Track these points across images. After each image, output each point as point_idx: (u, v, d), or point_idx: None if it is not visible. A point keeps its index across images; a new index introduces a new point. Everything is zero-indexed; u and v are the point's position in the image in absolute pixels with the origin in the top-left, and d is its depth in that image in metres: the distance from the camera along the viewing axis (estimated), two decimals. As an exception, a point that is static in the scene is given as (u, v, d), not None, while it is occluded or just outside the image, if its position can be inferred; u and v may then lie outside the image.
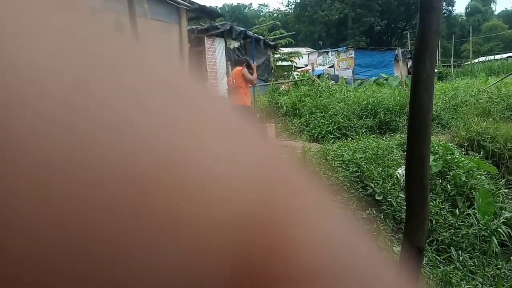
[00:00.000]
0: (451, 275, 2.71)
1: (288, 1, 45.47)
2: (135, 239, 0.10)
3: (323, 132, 7.77)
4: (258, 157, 0.15)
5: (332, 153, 4.96)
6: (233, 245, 0.12)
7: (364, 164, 4.53)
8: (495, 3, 45.84)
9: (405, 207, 3.91)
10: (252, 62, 7.38)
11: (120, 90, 0.12)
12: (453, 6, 38.27)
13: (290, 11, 42.52)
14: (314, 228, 0.14)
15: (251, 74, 6.80)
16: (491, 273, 3.05)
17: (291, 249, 0.13)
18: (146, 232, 0.11)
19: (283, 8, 45.62)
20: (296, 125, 8.65)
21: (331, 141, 6.82)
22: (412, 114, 1.90)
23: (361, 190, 4.23)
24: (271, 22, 18.31)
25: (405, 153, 5.44)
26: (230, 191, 0.12)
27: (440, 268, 2.93)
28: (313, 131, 7.96)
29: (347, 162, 4.63)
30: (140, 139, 0.11)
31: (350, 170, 4.45)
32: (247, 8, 54.67)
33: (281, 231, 0.13)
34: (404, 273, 0.18)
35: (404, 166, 4.78)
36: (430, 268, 2.93)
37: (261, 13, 40.62)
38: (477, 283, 2.87)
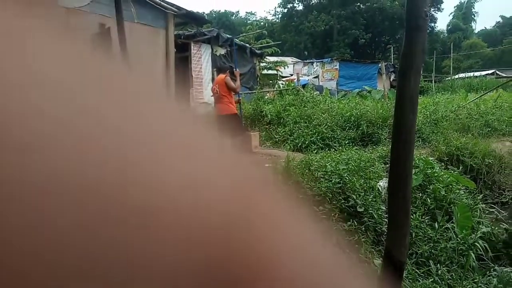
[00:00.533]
0: (429, 289, 2.75)
1: (275, 11, 45.94)
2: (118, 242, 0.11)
3: (306, 142, 7.82)
4: (225, 169, 0.16)
5: (315, 163, 4.98)
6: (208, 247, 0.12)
7: (346, 176, 4.57)
8: (475, 22, 47.30)
9: (386, 220, 3.95)
10: (235, 69, 7.33)
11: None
12: (435, 22, 39.31)
13: (277, 21, 42.88)
14: (279, 235, 0.15)
15: (234, 81, 6.71)
16: (468, 287, 3.10)
17: (252, 253, 0.13)
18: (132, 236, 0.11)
19: (270, 17, 46.00)
20: (280, 134, 8.68)
21: (315, 151, 6.87)
22: (396, 130, 1.93)
23: (343, 201, 4.26)
24: (258, 30, 18.42)
25: (387, 165, 5.47)
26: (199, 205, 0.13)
27: (419, 281, 2.96)
28: (297, 141, 8.01)
29: (329, 173, 4.66)
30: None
31: (333, 181, 4.47)
32: (234, 15, 54.89)
33: (246, 236, 0.13)
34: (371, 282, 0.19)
35: (386, 178, 4.84)
36: (409, 281, 2.96)
37: (248, 21, 40.85)
38: (455, 297, 2.91)
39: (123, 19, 3.58)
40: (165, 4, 8.04)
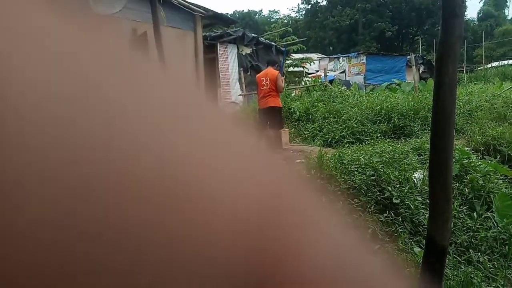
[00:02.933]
0: (471, 276, 2.74)
1: (299, 8, 45.72)
2: (151, 240, 0.11)
3: (336, 137, 7.81)
4: (262, 168, 0.17)
5: (348, 157, 5.00)
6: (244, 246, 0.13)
7: (380, 168, 4.57)
8: (508, 8, 45.48)
9: (423, 210, 3.94)
10: (281, 72, 7.48)
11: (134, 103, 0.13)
12: (465, 11, 38.11)
13: (301, 17, 42.72)
14: (312, 232, 0.15)
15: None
16: (511, 275, 3.07)
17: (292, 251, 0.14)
18: (159, 234, 0.12)
19: (293, 14, 45.87)
20: (309, 130, 8.71)
21: (346, 145, 6.87)
22: (435, 116, 1.96)
23: (378, 193, 4.27)
24: (283, 28, 18.44)
25: (421, 157, 5.44)
26: (237, 202, 0.13)
27: (461, 268, 2.96)
28: (327, 136, 8.01)
29: (363, 166, 4.67)
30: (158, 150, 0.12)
31: (367, 173, 4.49)
32: (257, 14, 55.01)
33: (284, 234, 0.14)
34: (401, 276, 0.20)
35: (421, 170, 4.81)
36: (450, 269, 2.96)
37: (272, 20, 40.86)
38: (498, 285, 2.89)
39: (159, 23, 3.72)
40: (193, 7, 8.23)
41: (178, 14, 8.08)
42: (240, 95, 13.45)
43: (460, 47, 1.98)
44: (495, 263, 3.32)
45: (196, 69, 8.59)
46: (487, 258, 3.35)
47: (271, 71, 6.80)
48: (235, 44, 13.58)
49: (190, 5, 8.17)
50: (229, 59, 13.42)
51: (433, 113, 1.94)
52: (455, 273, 2.90)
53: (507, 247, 3.48)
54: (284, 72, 7.15)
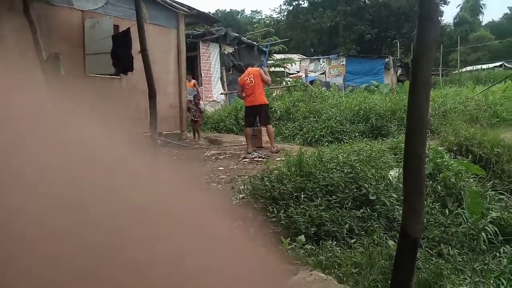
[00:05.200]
0: (442, 268, 2.89)
1: (281, 8, 45.96)
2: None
3: (316, 136, 7.96)
4: None
5: (327, 155, 5.12)
6: None
7: (358, 166, 4.70)
8: (483, 14, 46.91)
9: (398, 207, 4.09)
10: (263, 66, 7.71)
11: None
12: (441, 16, 39.07)
13: (283, 18, 42.93)
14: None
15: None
16: (479, 268, 3.23)
17: None
18: None
19: (275, 15, 46.03)
20: (290, 129, 8.83)
21: (325, 144, 7.00)
22: (410, 115, 2.08)
23: (355, 190, 4.39)
24: (265, 29, 18.54)
25: (397, 156, 5.56)
26: None
27: (432, 261, 3.11)
28: (307, 135, 8.15)
29: (341, 164, 4.79)
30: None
31: (345, 171, 4.61)
32: (240, 14, 54.98)
33: None
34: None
35: (397, 168, 4.97)
36: (422, 262, 3.10)
37: (254, 20, 40.92)
38: (466, 276, 3.05)
39: (142, 21, 3.75)
40: (176, 5, 8.21)
41: (161, 11, 8.06)
42: (221, 93, 13.47)
43: (434, 49, 2.10)
44: (464, 256, 3.49)
45: (179, 67, 8.58)
46: (457, 252, 3.51)
47: (251, 69, 7.05)
48: (217, 43, 13.61)
49: (173, 3, 8.16)
50: (211, 58, 13.43)
51: (408, 111, 2.06)
52: (427, 265, 3.04)
53: (475, 241, 3.66)
54: (265, 71, 7.25)
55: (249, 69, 7.13)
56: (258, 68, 7.05)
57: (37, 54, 5.34)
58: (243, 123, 7.62)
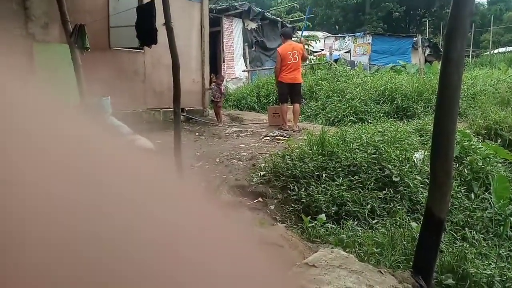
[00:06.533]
0: (466, 252, 2.82)
1: (306, -16, 44.72)
2: None
3: (339, 116, 7.83)
4: None
5: (350, 135, 5.04)
6: None
7: (382, 147, 4.61)
8: (519, -7, 44.48)
9: (420, 189, 4.01)
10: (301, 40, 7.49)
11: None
12: (475, -6, 37.27)
13: (307, -6, 41.93)
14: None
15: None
16: (505, 253, 3.15)
17: None
18: None
19: (300, -9, 44.96)
20: (313, 108, 8.71)
21: (348, 125, 6.89)
22: (441, 91, 1.99)
23: (378, 171, 4.32)
24: (289, 4, 18.13)
25: (423, 138, 5.43)
26: None
27: (456, 244, 3.04)
28: (330, 115, 8.02)
29: (365, 144, 4.71)
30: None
31: (368, 151, 4.53)
32: (263, -10, 53.92)
33: None
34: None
35: (422, 150, 4.85)
36: (446, 246, 3.04)
37: (278, -4, 40.06)
38: (491, 262, 2.98)
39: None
40: (200, -23, 8.09)
41: (185, -16, 7.96)
42: (244, 70, 13.35)
43: (469, 23, 1.98)
44: (489, 242, 3.40)
45: (202, 41, 8.51)
46: (482, 237, 3.43)
47: (296, 44, 6.69)
48: (240, 18, 13.40)
49: (197, -24, 8.04)
50: (234, 34, 13.25)
51: (439, 87, 1.97)
52: (450, 249, 2.98)
53: (501, 227, 3.56)
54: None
55: (292, 43, 6.66)
56: (301, 44, 6.79)
57: (63, 26, 5.37)
58: (278, 99, 7.36)
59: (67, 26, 5.34)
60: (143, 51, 7.36)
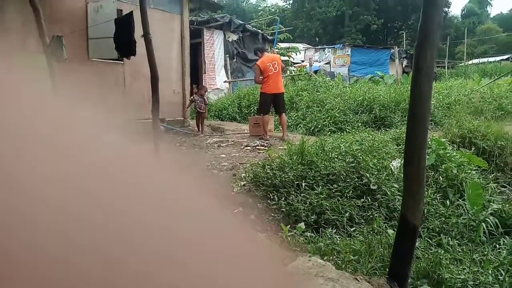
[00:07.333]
0: (441, 257, 2.89)
1: (286, -3, 45.43)
2: None
3: (319, 126, 7.93)
4: None
5: (329, 144, 5.11)
6: None
7: (360, 156, 4.69)
8: (491, 6, 46.26)
9: (399, 197, 4.08)
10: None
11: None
12: (449, 7, 38.58)
13: (288, 7, 42.55)
14: None
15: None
16: (478, 258, 3.23)
17: None
18: None
19: (281, 3, 45.60)
20: (293, 118, 8.79)
21: (327, 134, 6.98)
22: (412, 101, 2.06)
23: (356, 179, 4.39)
24: (270, 16, 18.37)
25: (400, 147, 5.52)
26: None
27: (431, 250, 3.11)
28: (310, 125, 8.12)
29: (343, 153, 4.79)
30: None
31: (347, 160, 4.60)
32: (245, 1, 54.46)
33: None
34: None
35: (399, 159, 4.94)
36: (421, 252, 3.10)
37: (259, 7, 40.52)
38: (465, 267, 3.05)
39: (146, 5, 3.71)
40: (180, -10, 8.14)
41: (165, -4, 7.99)
42: (225, 81, 13.40)
43: (438, 34, 2.07)
44: (464, 247, 3.48)
45: (182, 53, 8.53)
46: (456, 242, 3.51)
47: (274, 55, 6.92)
48: (221, 30, 13.49)
49: (177, -12, 8.09)
50: (215, 45, 13.32)
51: (411, 97, 2.04)
52: (426, 255, 3.04)
53: (475, 232, 3.66)
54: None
55: (272, 55, 6.95)
56: (278, 55, 6.98)
57: (41, 38, 5.31)
58: (258, 110, 7.39)
59: (44, 38, 5.28)
60: (122, 62, 7.33)
